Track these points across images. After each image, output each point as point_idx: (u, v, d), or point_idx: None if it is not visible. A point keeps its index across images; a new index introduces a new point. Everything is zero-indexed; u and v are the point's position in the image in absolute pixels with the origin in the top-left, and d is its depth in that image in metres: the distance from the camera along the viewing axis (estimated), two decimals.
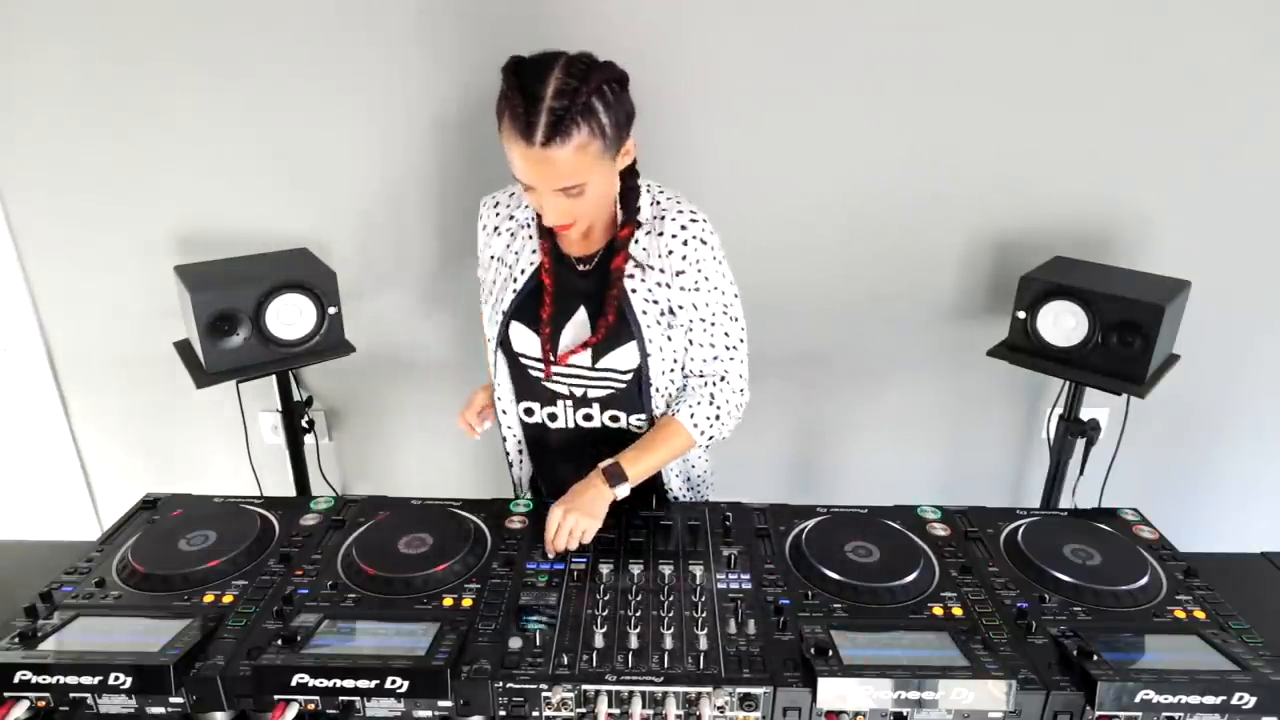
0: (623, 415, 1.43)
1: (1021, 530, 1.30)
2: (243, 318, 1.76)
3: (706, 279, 1.31)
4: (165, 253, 2.05)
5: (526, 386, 1.44)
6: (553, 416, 1.45)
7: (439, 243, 2.07)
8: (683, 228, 1.30)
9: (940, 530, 1.32)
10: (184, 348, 1.89)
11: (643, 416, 1.42)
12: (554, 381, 1.40)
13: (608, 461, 1.31)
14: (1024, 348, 1.86)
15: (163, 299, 1.98)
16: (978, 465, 2.35)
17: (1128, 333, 1.72)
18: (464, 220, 2.04)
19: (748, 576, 1.20)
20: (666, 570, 1.21)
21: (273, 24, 1.84)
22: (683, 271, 1.30)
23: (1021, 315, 1.83)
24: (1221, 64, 1.85)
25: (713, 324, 1.35)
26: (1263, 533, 2.37)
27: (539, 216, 1.27)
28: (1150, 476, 2.29)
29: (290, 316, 1.81)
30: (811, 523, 1.32)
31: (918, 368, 2.21)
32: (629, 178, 1.29)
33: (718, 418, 1.37)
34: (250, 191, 2.01)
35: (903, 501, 1.40)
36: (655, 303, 1.32)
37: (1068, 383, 1.93)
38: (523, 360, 1.40)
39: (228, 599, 1.14)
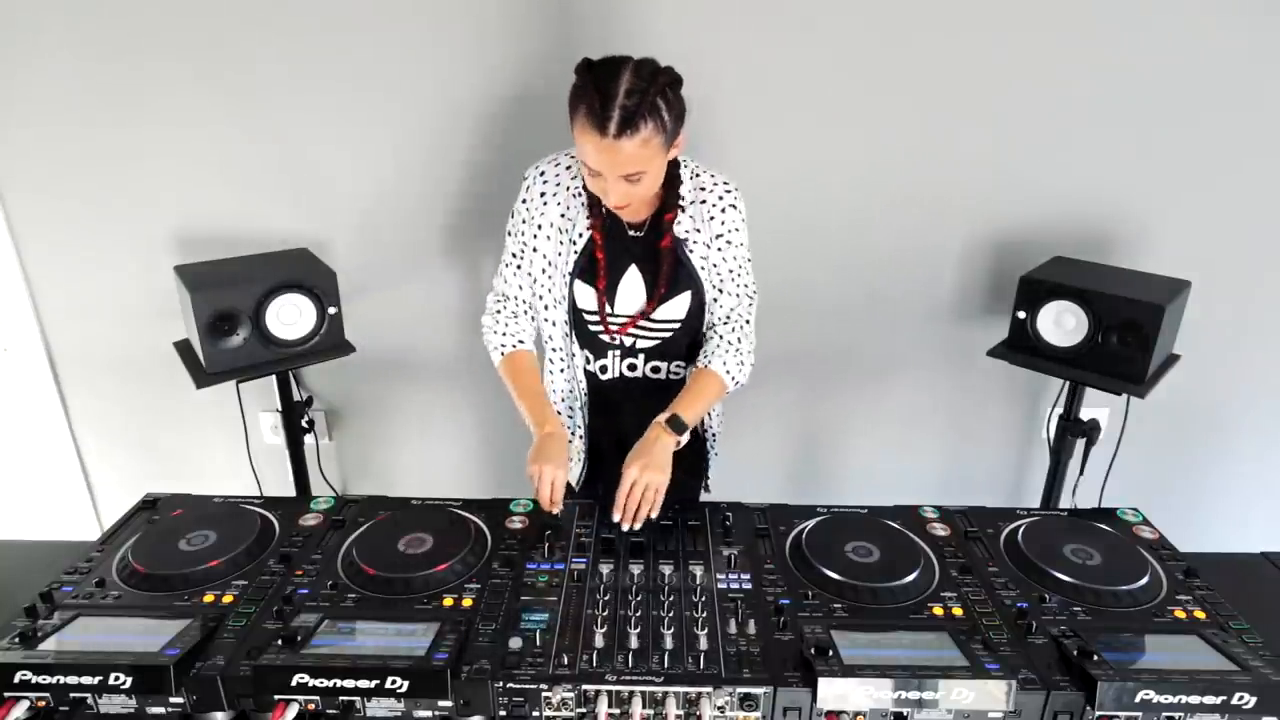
0: (663, 365, 1.58)
1: (1021, 530, 1.30)
2: (243, 318, 1.76)
3: (737, 233, 1.50)
4: (165, 253, 2.05)
5: (586, 340, 1.57)
6: (604, 369, 1.59)
7: (439, 242, 2.07)
8: (720, 198, 1.48)
9: (940, 530, 1.32)
10: (184, 348, 1.89)
11: (680, 363, 1.59)
12: (609, 335, 1.53)
13: (666, 414, 1.44)
14: (1024, 348, 1.86)
15: (163, 299, 1.98)
16: (978, 465, 2.35)
17: (1128, 333, 1.72)
18: (464, 220, 2.04)
19: (748, 576, 1.20)
20: (666, 570, 1.21)
21: (273, 24, 1.84)
22: (721, 234, 1.48)
23: (1021, 315, 1.83)
24: (1221, 64, 1.85)
25: (740, 271, 1.53)
26: (1263, 533, 2.37)
27: (589, 193, 1.42)
28: (1150, 476, 2.29)
29: (290, 316, 1.81)
30: (811, 523, 1.32)
31: (918, 368, 2.21)
32: (673, 165, 1.43)
33: (742, 364, 1.53)
34: (250, 191, 2.01)
35: (903, 501, 1.40)
36: (706, 258, 1.48)
37: (1068, 383, 1.93)
38: (585, 316, 1.52)
39: (228, 599, 1.14)
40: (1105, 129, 1.92)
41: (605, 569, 1.21)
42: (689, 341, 1.57)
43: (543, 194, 1.48)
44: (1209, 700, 0.95)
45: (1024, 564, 1.23)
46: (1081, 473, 2.04)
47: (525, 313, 1.58)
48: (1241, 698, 0.95)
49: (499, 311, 1.57)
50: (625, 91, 1.23)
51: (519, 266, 1.54)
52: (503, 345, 1.55)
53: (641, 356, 1.57)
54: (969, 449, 2.32)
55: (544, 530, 1.30)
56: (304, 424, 2.12)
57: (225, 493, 1.43)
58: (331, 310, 1.85)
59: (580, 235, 1.47)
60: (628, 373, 1.59)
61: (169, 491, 1.44)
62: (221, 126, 1.93)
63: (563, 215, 1.48)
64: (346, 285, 1.90)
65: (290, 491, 2.12)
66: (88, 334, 2.18)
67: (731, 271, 1.51)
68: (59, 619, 1.07)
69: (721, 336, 1.53)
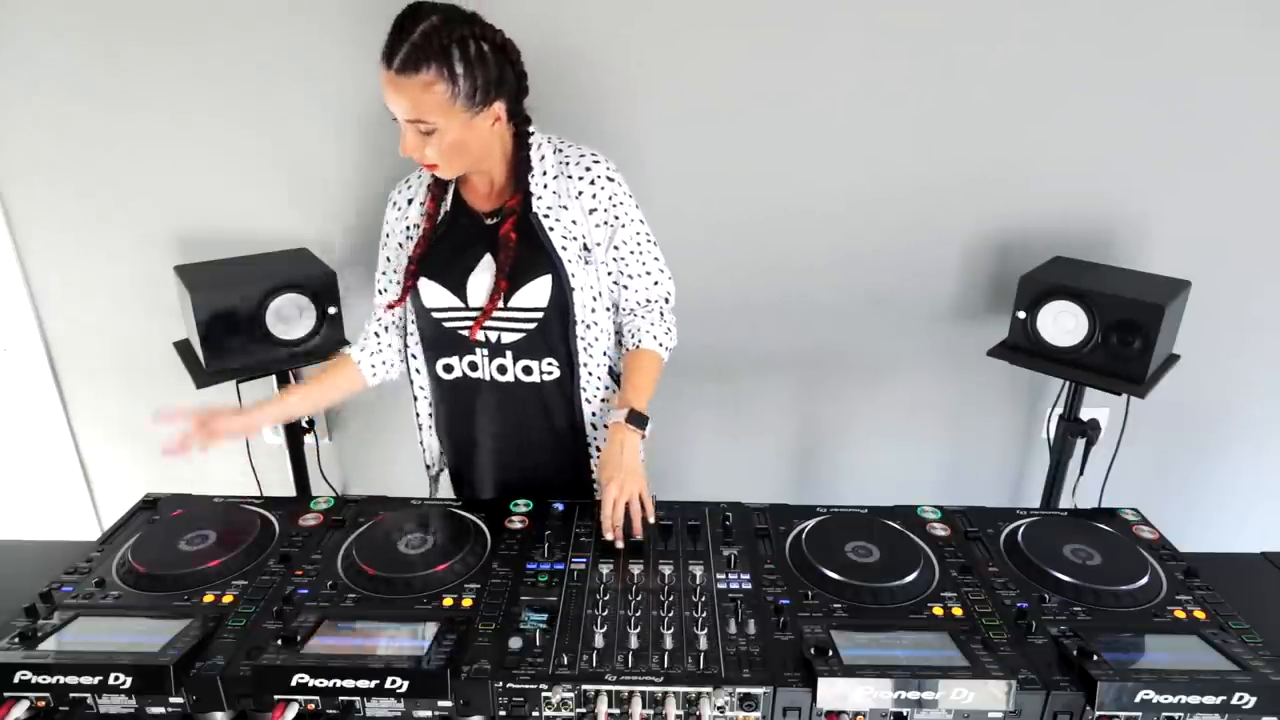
0: (535, 365, 1.46)
1: (1021, 530, 1.30)
2: (243, 318, 1.76)
3: (625, 213, 1.42)
4: (165, 252, 2.05)
5: (442, 341, 1.48)
6: (473, 366, 1.49)
7: None
8: (587, 169, 1.39)
9: (940, 530, 1.32)
10: (184, 348, 1.89)
11: (553, 361, 1.46)
12: (470, 331, 1.44)
13: (621, 411, 1.39)
14: (1024, 348, 1.86)
15: (163, 299, 1.98)
16: (978, 465, 2.35)
17: (1128, 333, 1.72)
18: None
19: (748, 576, 1.20)
20: (666, 570, 1.21)
21: (273, 24, 1.83)
22: (595, 209, 1.39)
23: (1021, 315, 1.83)
24: (1220, 64, 1.85)
25: (641, 251, 1.46)
26: (1263, 533, 2.37)
27: (432, 185, 1.41)
28: (1150, 476, 2.29)
29: (290, 316, 1.81)
30: (811, 523, 1.32)
31: (918, 368, 2.21)
32: (520, 149, 1.37)
33: (669, 331, 1.51)
34: (250, 191, 2.00)
35: (903, 501, 1.40)
36: (574, 239, 1.40)
37: (1068, 383, 1.93)
38: (434, 314, 1.44)
39: (228, 599, 1.14)
40: (1105, 129, 1.91)
41: (605, 569, 1.21)
42: (562, 334, 1.44)
43: (396, 203, 1.49)
44: (1209, 700, 0.95)
45: (1024, 564, 1.23)
46: (1081, 473, 2.04)
47: (391, 327, 1.55)
48: (1241, 698, 0.95)
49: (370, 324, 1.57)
50: (421, 31, 1.18)
51: (380, 279, 1.54)
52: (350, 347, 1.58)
53: (509, 355, 1.45)
54: (969, 449, 2.32)
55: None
56: (304, 424, 2.11)
57: (225, 493, 1.43)
58: (331, 310, 1.85)
59: (416, 227, 1.43)
60: (498, 375, 1.48)
61: (169, 491, 1.45)
62: (222, 126, 1.93)
63: (417, 213, 1.45)
64: (346, 285, 1.89)
65: (290, 491, 2.12)
66: (87, 334, 2.18)
67: (633, 253, 1.45)
68: (59, 619, 1.08)
69: (642, 317, 1.50)
